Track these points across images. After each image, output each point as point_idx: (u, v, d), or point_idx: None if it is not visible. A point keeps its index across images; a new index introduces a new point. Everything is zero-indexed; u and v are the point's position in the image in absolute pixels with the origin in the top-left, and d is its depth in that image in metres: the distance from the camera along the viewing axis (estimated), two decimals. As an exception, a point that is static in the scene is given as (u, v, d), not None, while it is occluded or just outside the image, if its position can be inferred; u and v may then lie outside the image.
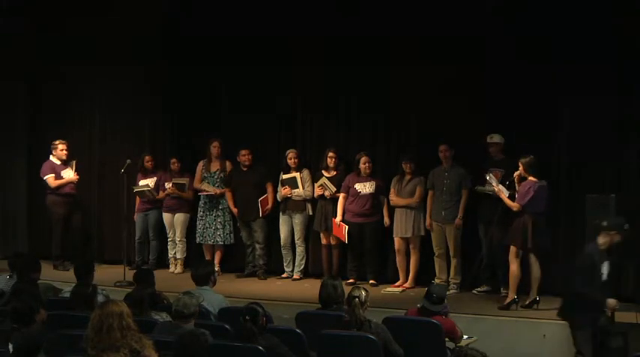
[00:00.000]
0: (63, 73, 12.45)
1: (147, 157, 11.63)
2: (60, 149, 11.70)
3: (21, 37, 12.38)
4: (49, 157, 11.72)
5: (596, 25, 9.21)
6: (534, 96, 9.61)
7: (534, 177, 8.84)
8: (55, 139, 11.73)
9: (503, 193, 8.99)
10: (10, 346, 5.59)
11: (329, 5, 10.56)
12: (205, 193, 11.16)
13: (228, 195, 11.09)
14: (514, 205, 8.86)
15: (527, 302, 8.92)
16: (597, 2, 9.24)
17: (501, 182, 9.10)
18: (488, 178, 9.13)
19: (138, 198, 11.61)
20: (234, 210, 11.07)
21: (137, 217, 11.66)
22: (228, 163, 11.19)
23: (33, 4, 12.30)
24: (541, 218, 8.83)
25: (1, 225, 13.00)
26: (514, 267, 8.93)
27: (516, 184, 8.96)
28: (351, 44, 10.55)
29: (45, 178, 11.63)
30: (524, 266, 8.99)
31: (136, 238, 11.67)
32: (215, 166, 11.22)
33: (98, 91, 12.33)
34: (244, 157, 10.96)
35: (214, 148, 11.14)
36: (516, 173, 8.94)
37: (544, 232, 8.88)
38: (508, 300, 8.97)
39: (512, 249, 8.93)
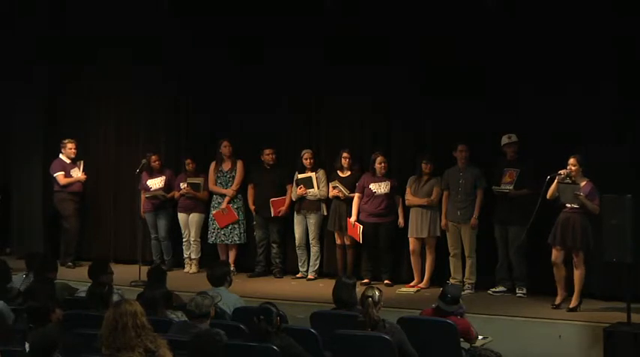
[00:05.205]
0: (79, 73, 12.51)
1: (153, 157, 11.47)
2: (69, 148, 11.83)
3: (36, 36, 12.43)
4: (58, 155, 11.86)
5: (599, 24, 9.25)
6: (548, 96, 9.59)
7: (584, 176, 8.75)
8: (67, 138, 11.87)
9: (586, 199, 8.64)
10: (27, 345, 5.62)
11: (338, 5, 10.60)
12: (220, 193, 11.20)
13: (250, 192, 11.13)
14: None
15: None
16: (597, 4, 9.26)
17: (551, 178, 8.76)
18: (558, 178, 8.65)
19: (143, 197, 11.54)
20: (252, 207, 11.10)
21: (147, 216, 11.60)
22: (239, 163, 11.20)
23: (49, 2, 12.40)
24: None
25: (18, 225, 13.06)
26: (582, 270, 8.75)
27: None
28: (365, 43, 10.53)
29: (55, 175, 11.76)
30: (551, 267, 8.92)
31: (152, 236, 11.67)
32: (227, 165, 11.23)
33: (114, 90, 12.35)
34: (268, 156, 10.97)
35: (225, 147, 11.16)
36: (564, 171, 8.70)
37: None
38: (575, 303, 8.79)
39: (579, 253, 8.74)
